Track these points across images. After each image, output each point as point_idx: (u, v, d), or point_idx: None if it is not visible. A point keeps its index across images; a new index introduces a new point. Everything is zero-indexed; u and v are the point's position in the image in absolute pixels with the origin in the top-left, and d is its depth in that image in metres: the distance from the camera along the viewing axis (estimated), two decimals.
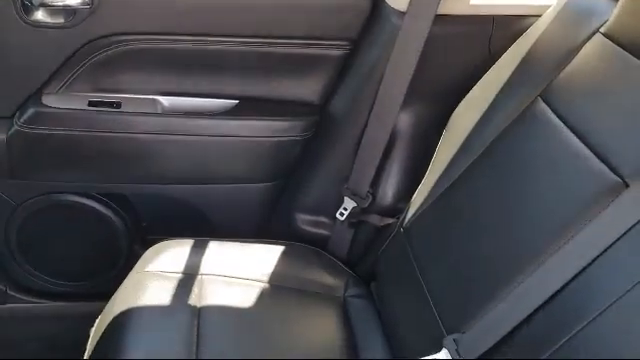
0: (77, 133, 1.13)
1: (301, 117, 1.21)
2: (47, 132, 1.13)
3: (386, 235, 1.18)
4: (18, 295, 1.32)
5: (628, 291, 0.68)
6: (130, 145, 1.17)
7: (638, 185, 0.74)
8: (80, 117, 1.14)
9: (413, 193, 1.14)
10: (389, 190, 1.22)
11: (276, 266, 1.18)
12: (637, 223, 0.71)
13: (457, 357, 0.80)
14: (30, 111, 1.12)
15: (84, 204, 1.22)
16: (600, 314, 0.69)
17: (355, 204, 1.22)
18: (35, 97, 1.13)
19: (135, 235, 1.28)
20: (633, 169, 0.76)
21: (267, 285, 1.14)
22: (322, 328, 1.09)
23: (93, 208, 1.22)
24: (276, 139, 1.20)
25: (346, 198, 1.23)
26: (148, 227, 1.31)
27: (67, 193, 1.21)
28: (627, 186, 0.75)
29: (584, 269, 0.73)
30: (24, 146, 1.15)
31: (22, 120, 1.12)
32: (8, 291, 1.31)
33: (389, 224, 1.19)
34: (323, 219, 1.30)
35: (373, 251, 1.22)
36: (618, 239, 0.72)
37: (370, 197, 1.21)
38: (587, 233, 0.75)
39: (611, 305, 0.68)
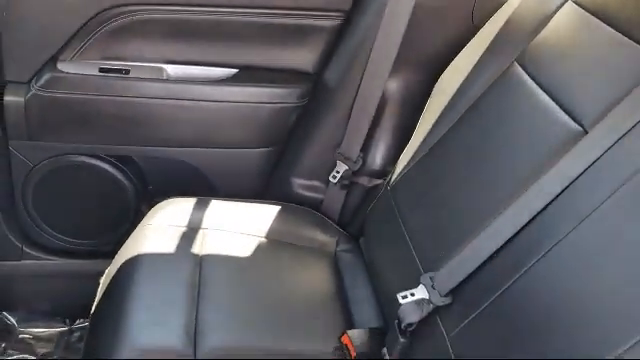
0: (88, 97, 1.23)
1: (296, 85, 1.29)
2: (61, 96, 1.22)
3: (374, 195, 1.27)
4: (33, 252, 1.41)
5: (575, 228, 0.76)
6: (137, 110, 1.25)
7: (595, 131, 0.82)
8: (91, 82, 1.22)
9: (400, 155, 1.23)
10: (378, 153, 1.31)
11: (273, 223, 1.26)
12: (592, 164, 0.79)
13: (432, 291, 0.89)
14: (46, 76, 1.21)
15: (94, 165, 1.31)
16: (551, 249, 0.77)
17: (347, 167, 1.30)
18: (51, 63, 1.22)
19: (142, 196, 1.37)
20: (592, 118, 0.85)
21: (264, 239, 1.23)
22: (314, 277, 1.18)
23: (102, 169, 1.31)
24: (273, 105, 1.28)
25: (338, 162, 1.31)
26: (154, 190, 1.40)
27: (79, 155, 1.30)
28: (586, 132, 0.84)
29: (544, 209, 0.81)
30: (40, 109, 1.24)
31: (38, 85, 1.21)
32: (24, 248, 1.40)
33: (377, 185, 1.27)
34: (317, 183, 1.39)
35: (363, 211, 1.31)
36: (576, 179, 0.80)
37: (361, 160, 1.29)
38: (551, 175, 0.83)
39: (562, 239, 0.77)
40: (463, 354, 0.82)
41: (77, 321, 1.50)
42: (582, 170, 0.80)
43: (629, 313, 0.65)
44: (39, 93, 1.21)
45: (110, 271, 1.17)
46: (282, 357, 0.97)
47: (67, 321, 1.50)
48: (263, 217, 1.27)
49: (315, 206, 1.38)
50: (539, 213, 0.81)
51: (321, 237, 1.28)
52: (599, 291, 0.69)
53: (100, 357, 0.93)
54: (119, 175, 1.33)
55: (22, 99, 1.22)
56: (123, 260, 1.14)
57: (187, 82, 1.26)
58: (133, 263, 1.11)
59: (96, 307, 1.12)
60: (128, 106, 1.24)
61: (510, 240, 0.83)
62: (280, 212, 1.30)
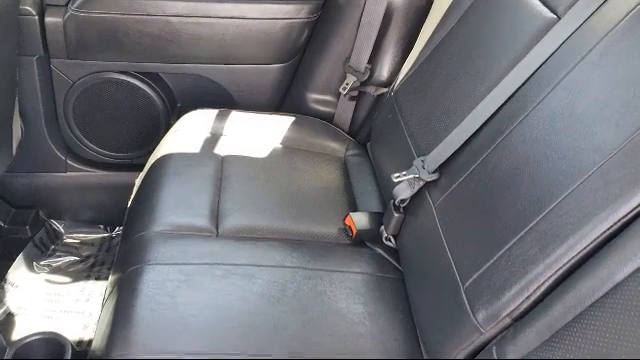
0: (120, 16, 1.35)
1: (307, 1, 1.39)
2: (95, 16, 1.34)
3: (380, 104, 1.38)
4: (76, 165, 1.57)
5: (544, 97, 0.86)
6: (162, 28, 1.37)
7: (566, 17, 0.91)
8: (121, 3, 1.35)
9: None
10: (384, 64, 1.41)
11: (288, 132, 1.39)
12: (563, 43, 0.89)
13: (422, 170, 1.00)
14: None
15: (125, 81, 1.45)
16: (522, 119, 0.88)
17: (355, 79, 1.41)
18: None
19: (171, 111, 1.51)
20: (565, 6, 0.94)
21: (280, 145, 1.36)
22: (324, 175, 1.30)
23: (133, 85, 1.45)
24: (286, 21, 1.39)
25: (348, 74, 1.42)
26: (182, 107, 1.54)
27: (111, 72, 1.44)
28: (559, 19, 0.93)
29: (519, 88, 0.92)
30: (76, 29, 1.37)
31: (75, 6, 1.34)
32: (68, 161, 1.56)
33: (383, 93, 1.38)
34: (329, 97, 1.50)
35: (370, 120, 1.43)
36: (548, 58, 0.90)
37: (368, 72, 1.40)
38: (527, 59, 0.93)
39: (533, 109, 0.87)
40: (446, 219, 0.94)
41: (116, 228, 1.68)
42: (554, 50, 0.89)
43: (580, 158, 0.76)
44: (75, 14, 1.34)
45: (143, 173, 1.32)
46: (292, 237, 1.11)
47: (108, 228, 1.67)
48: (279, 126, 1.40)
49: (327, 119, 1.50)
50: (515, 92, 0.92)
51: (332, 144, 1.40)
52: (559, 146, 0.80)
53: (136, 233, 1.08)
54: (149, 91, 1.46)
55: (61, 20, 1.35)
56: (154, 161, 1.29)
57: (207, 1, 1.37)
58: (163, 162, 1.26)
59: (132, 201, 1.27)
60: (154, 25, 1.36)
61: (489, 119, 0.94)
62: (295, 122, 1.42)
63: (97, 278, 1.55)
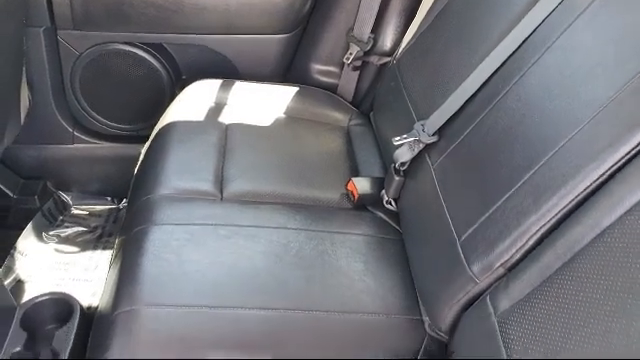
0: None
1: None
2: None
3: (383, 74, 1.39)
4: (83, 137, 1.59)
5: (541, 56, 0.88)
6: None
7: None
8: None
9: None
10: (387, 34, 1.42)
11: (291, 102, 1.41)
12: (557, 6, 0.90)
13: (422, 133, 1.02)
14: None
15: (130, 52, 1.46)
16: (518, 80, 0.89)
17: (359, 49, 1.42)
18: None
19: (176, 82, 1.53)
20: None
21: (283, 115, 1.37)
22: (327, 144, 1.32)
23: (138, 56, 1.46)
24: None
25: (351, 44, 1.43)
26: (187, 79, 1.55)
27: (117, 43, 1.46)
28: None
29: (517, 49, 0.93)
30: (83, 0, 1.38)
31: None
32: (75, 133, 1.58)
33: (386, 62, 1.40)
34: (333, 68, 1.52)
35: (373, 90, 1.44)
36: (542, 21, 0.91)
37: (371, 41, 1.41)
38: (524, 22, 0.94)
39: (529, 68, 0.88)
40: (443, 179, 0.96)
41: (123, 200, 1.70)
42: (548, 13, 0.90)
43: (572, 114, 0.77)
44: None
45: (148, 141, 1.34)
46: (294, 201, 1.13)
47: (115, 200, 1.70)
48: (283, 96, 1.41)
49: (331, 89, 1.51)
50: (511, 55, 0.93)
51: (335, 114, 1.42)
52: (552, 104, 0.81)
53: (142, 197, 1.11)
54: (154, 62, 1.48)
55: None
56: (159, 129, 1.31)
57: None
58: (168, 130, 1.28)
59: (138, 169, 1.30)
60: None
61: (486, 82, 0.95)
62: (298, 93, 1.44)
63: (104, 248, 1.58)
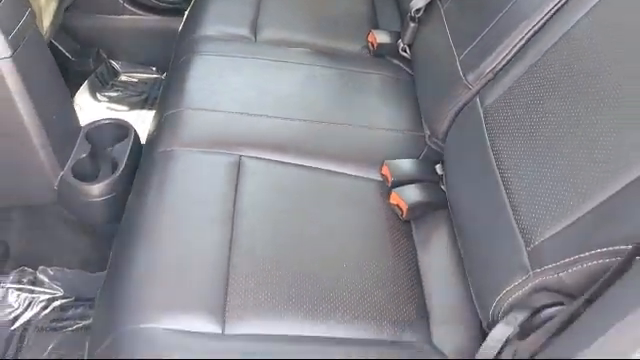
0: None
1: None
2: None
3: None
4: (130, 8, 1.75)
5: None
6: None
7: None
8: None
9: None
10: None
11: None
12: None
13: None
14: None
15: None
16: None
17: None
18: None
19: None
20: None
21: None
22: (352, 5, 1.44)
23: None
24: None
25: None
26: None
27: None
28: None
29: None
30: None
31: None
32: (125, 4, 1.74)
33: None
34: None
35: None
36: None
37: None
38: None
39: None
40: (453, 19, 1.09)
41: (164, 73, 1.87)
42: None
43: None
44: None
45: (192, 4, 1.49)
46: (320, 49, 1.27)
47: (159, 71, 1.86)
48: None
49: None
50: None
51: None
52: None
53: (187, 37, 1.27)
54: None
55: None
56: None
57: None
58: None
59: (182, 25, 1.45)
60: None
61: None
62: None
63: (150, 109, 1.76)
